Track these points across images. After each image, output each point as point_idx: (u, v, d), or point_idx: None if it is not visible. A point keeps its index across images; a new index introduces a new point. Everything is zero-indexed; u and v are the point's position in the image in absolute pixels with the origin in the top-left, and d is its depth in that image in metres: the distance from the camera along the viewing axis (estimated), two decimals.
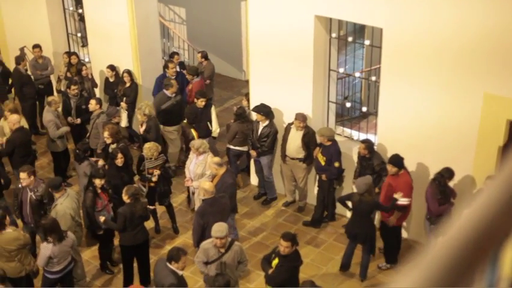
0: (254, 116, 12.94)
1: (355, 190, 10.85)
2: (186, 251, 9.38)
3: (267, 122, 12.69)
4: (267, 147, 12.76)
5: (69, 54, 15.92)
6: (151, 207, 11.74)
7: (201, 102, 13.31)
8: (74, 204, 10.93)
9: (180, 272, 9.20)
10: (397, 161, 10.79)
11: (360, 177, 10.89)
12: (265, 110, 12.62)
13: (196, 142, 12.18)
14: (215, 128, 13.70)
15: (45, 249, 9.88)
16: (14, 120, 12.76)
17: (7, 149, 12.75)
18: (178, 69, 15.06)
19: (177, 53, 15.69)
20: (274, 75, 12.54)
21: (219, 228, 9.45)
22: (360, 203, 10.52)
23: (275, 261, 9.36)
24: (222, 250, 9.48)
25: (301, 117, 12.13)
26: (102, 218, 10.82)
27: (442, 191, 10.53)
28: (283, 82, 12.45)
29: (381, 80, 11.31)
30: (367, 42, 12.36)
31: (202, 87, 14.71)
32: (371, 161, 11.37)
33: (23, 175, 10.94)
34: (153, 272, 9.85)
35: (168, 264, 9.12)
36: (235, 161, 13.54)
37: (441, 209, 10.57)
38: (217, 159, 11.57)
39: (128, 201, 10.50)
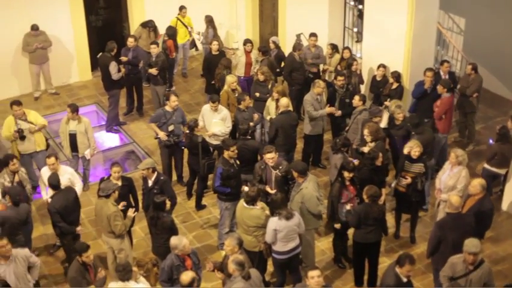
0: None
1: None
2: (415, 260, 9.28)
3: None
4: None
5: (333, 46, 16.19)
6: None
7: None
8: (317, 187, 11.28)
9: (404, 279, 9.19)
10: None
11: None
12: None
13: (459, 150, 11.84)
14: None
15: (272, 222, 10.34)
16: (285, 104, 13.39)
17: (271, 131, 13.42)
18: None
19: (447, 61, 15.33)
20: None
21: (472, 244, 9.23)
22: None
23: None
24: (471, 267, 9.26)
25: None
26: (348, 206, 11.04)
27: None
28: None
29: None
30: None
31: (451, 104, 13.92)
32: None
33: (270, 155, 11.53)
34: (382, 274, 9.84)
35: (395, 267, 9.22)
36: (489, 182, 13.02)
37: None
38: (483, 181, 11.06)
39: (366, 200, 10.67)
